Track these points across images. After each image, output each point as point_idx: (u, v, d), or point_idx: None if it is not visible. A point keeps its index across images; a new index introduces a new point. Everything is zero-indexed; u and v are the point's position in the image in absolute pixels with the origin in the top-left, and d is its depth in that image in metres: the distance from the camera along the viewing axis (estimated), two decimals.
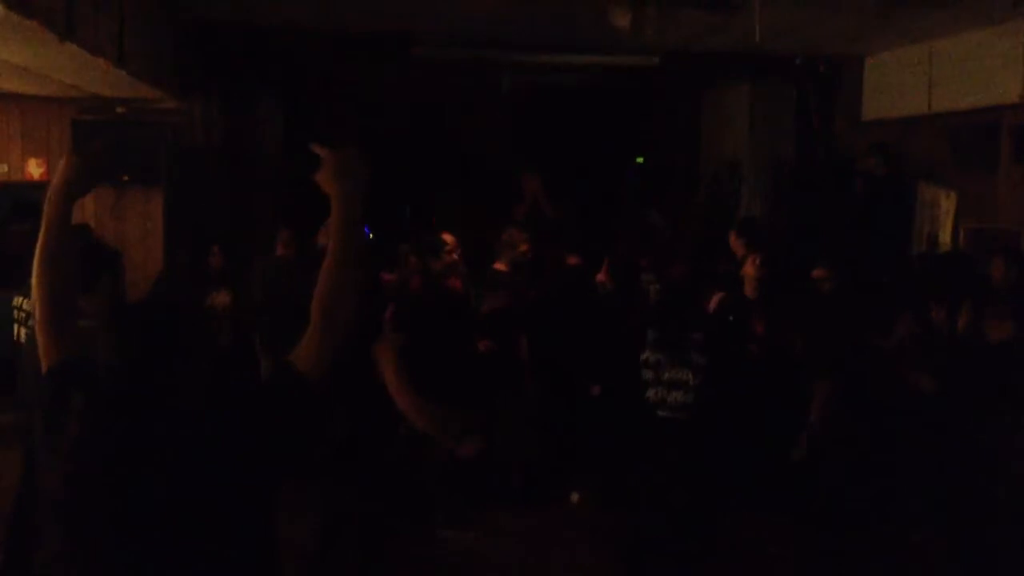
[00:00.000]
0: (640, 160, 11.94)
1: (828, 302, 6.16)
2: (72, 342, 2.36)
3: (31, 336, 4.51)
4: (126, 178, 8.25)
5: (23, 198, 8.30)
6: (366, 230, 7.13)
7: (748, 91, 10.30)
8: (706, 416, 4.80)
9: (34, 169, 8.40)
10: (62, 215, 2.52)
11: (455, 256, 6.54)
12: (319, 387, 2.23)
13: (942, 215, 8.31)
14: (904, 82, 8.61)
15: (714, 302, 6.11)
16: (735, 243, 6.85)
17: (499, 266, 6.63)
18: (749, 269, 6.12)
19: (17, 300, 4.87)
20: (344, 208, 2.38)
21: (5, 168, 8.38)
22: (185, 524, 2.08)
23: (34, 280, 2.47)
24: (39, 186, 8.33)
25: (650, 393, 4.84)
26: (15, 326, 4.88)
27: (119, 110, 8.21)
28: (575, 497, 6.52)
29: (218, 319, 5.76)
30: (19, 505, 4.38)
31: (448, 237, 6.55)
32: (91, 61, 5.71)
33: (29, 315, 4.69)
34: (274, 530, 2.25)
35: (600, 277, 6.92)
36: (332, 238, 2.35)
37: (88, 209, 8.36)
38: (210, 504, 2.10)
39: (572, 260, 7.63)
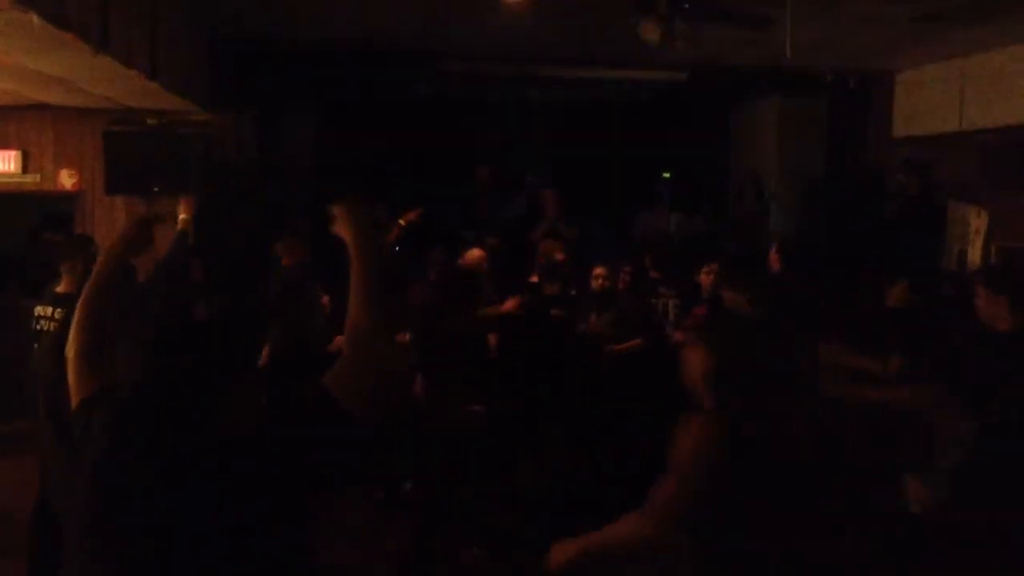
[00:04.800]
0: (667, 175, 11.91)
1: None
2: (105, 376, 2.41)
3: (46, 342, 4.54)
4: (156, 189, 8.33)
5: (55, 208, 8.40)
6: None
7: (777, 106, 10.27)
8: None
9: (66, 179, 8.47)
10: (115, 267, 2.77)
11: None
12: (356, 415, 2.24)
13: (972, 233, 8.23)
14: (935, 99, 8.55)
15: None
16: (774, 259, 6.85)
17: (536, 279, 6.62)
18: None
19: (44, 310, 4.88)
20: (359, 245, 2.47)
21: (37, 178, 8.46)
22: (212, 542, 2.08)
23: (76, 318, 2.59)
24: (71, 196, 8.44)
25: None
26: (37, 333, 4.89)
27: (150, 122, 8.27)
28: None
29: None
30: (37, 518, 4.37)
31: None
32: (124, 73, 5.76)
33: (51, 320, 4.71)
34: (305, 548, 2.24)
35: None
36: (354, 275, 2.42)
37: (119, 220, 8.44)
38: (236, 521, 2.09)
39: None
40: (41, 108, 8.14)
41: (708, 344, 3.58)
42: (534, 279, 6.65)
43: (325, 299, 6.64)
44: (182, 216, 5.79)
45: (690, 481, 3.21)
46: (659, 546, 3.23)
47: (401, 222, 6.88)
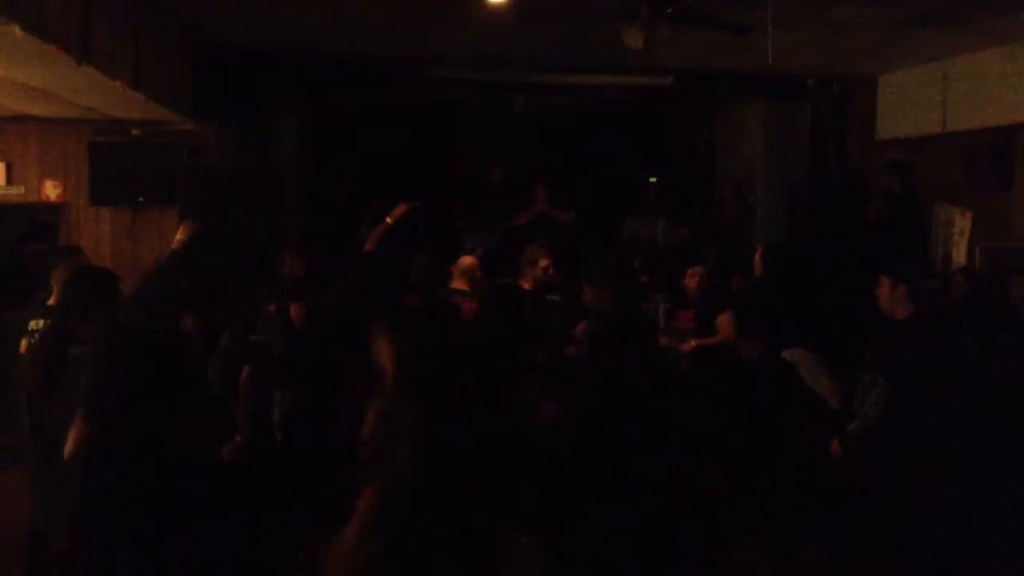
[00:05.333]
0: (653, 180, 11.93)
1: None
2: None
3: (29, 355, 4.51)
4: (141, 199, 8.31)
5: (39, 219, 8.36)
6: None
7: (762, 110, 10.30)
8: None
9: (50, 190, 8.43)
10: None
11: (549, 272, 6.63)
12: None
13: (956, 234, 8.27)
14: (918, 101, 8.60)
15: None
16: (758, 264, 6.87)
17: (524, 284, 6.59)
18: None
19: (37, 323, 4.84)
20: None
21: (22, 189, 8.41)
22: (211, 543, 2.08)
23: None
24: (55, 207, 8.41)
25: None
26: (23, 340, 4.84)
27: (135, 132, 8.25)
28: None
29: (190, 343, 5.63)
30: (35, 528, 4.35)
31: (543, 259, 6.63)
32: (107, 84, 5.75)
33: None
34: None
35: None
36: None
37: (104, 230, 8.41)
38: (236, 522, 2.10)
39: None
40: (25, 119, 8.11)
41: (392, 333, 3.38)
42: (525, 285, 6.61)
43: (272, 307, 6.69)
44: (179, 237, 5.88)
45: (383, 479, 2.93)
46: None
47: (388, 220, 6.88)
